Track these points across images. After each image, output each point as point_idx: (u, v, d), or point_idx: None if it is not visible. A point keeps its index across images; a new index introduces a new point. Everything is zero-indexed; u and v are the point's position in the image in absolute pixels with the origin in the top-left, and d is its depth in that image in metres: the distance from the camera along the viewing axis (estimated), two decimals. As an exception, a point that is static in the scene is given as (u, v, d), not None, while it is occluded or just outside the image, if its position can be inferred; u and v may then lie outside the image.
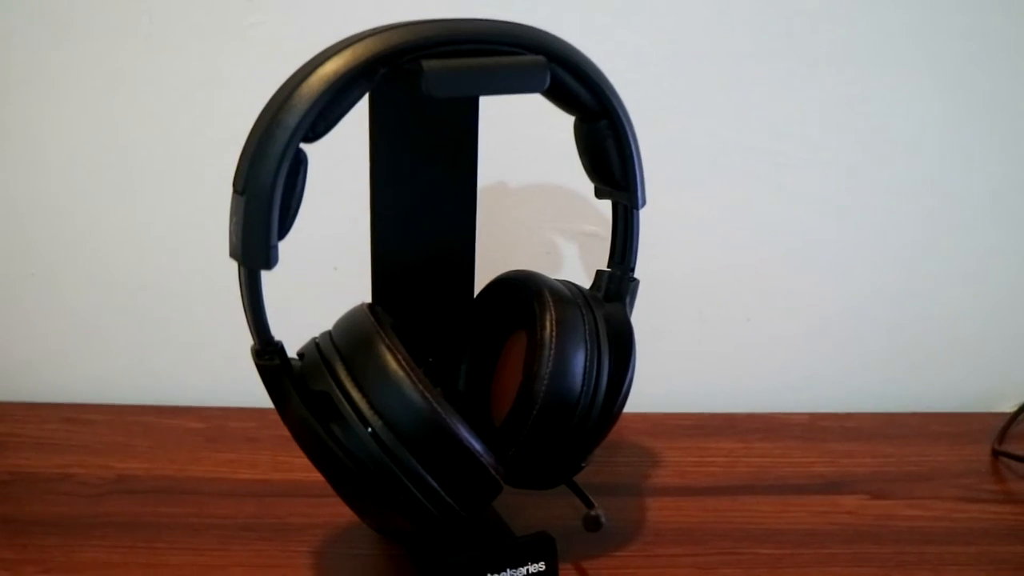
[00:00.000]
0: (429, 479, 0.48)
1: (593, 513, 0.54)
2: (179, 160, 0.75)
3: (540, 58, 0.49)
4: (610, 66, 0.54)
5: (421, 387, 0.47)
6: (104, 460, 0.68)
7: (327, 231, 0.72)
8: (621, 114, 0.55)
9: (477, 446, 0.48)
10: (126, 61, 0.72)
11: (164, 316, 0.80)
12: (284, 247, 0.46)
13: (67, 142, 0.75)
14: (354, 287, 0.58)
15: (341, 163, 0.58)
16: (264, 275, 0.46)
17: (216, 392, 0.77)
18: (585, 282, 0.61)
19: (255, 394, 0.52)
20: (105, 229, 0.77)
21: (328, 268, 0.77)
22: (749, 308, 0.82)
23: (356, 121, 0.52)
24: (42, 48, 0.72)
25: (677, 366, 0.82)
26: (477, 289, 0.62)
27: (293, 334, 0.52)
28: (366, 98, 0.49)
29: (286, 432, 0.51)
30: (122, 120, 0.74)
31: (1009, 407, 0.79)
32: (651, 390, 0.68)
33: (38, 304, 0.79)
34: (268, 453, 0.69)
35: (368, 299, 0.58)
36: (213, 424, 0.74)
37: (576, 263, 0.79)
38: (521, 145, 0.73)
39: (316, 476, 0.50)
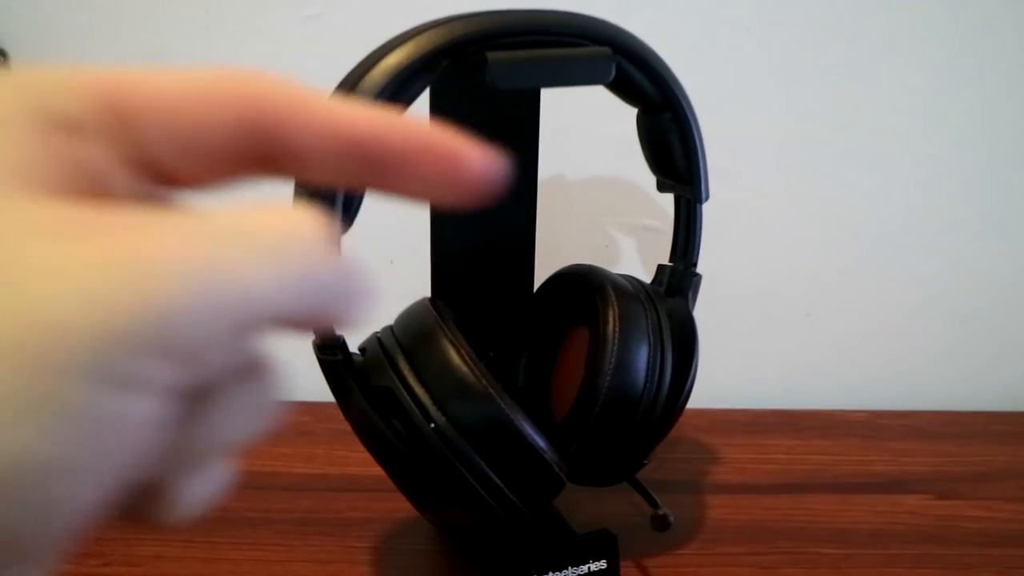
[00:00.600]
0: (492, 475, 0.47)
1: (661, 512, 0.53)
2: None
3: (606, 49, 0.49)
4: (674, 58, 0.53)
5: (485, 382, 0.47)
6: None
7: (383, 225, 0.71)
8: (685, 107, 0.54)
9: (541, 443, 0.48)
10: (183, 55, 0.72)
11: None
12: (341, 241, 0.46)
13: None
14: (410, 281, 0.58)
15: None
16: None
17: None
18: (644, 277, 0.60)
19: (310, 388, 0.52)
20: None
21: (385, 262, 0.77)
22: (810, 304, 0.81)
23: (416, 112, 0.52)
24: (99, 42, 0.72)
25: (735, 361, 0.81)
26: (537, 283, 0.62)
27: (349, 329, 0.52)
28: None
29: (341, 426, 0.51)
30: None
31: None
32: (709, 385, 0.67)
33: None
34: (324, 447, 0.69)
35: (427, 294, 0.58)
36: (268, 418, 0.74)
37: (635, 257, 0.78)
38: (580, 137, 0.72)
39: (372, 471, 0.50)
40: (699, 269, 0.59)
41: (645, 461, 0.55)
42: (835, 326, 0.81)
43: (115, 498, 0.17)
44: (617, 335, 0.52)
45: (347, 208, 0.45)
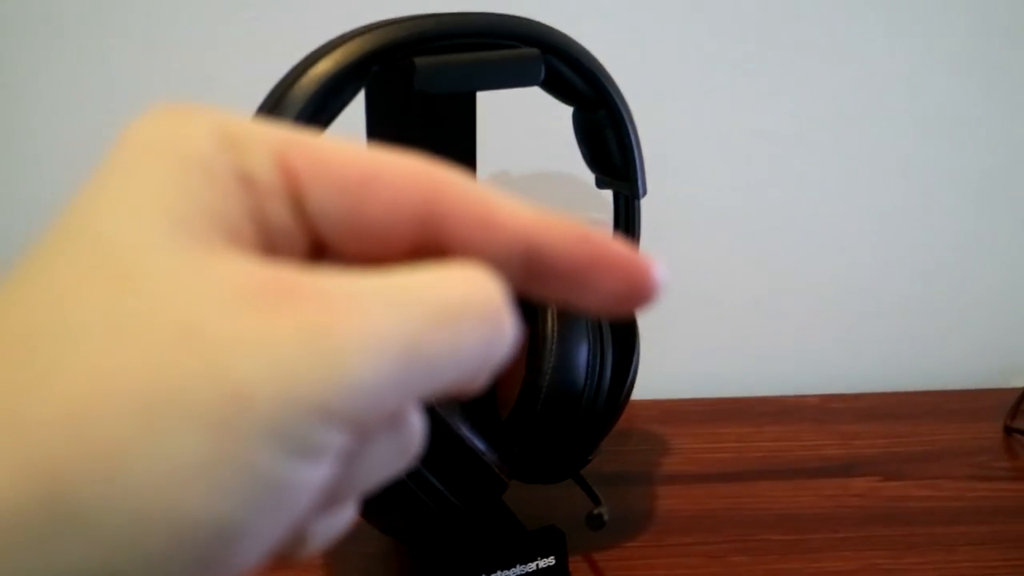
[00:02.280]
0: (433, 480, 0.48)
1: (596, 512, 0.54)
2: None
3: (534, 50, 0.49)
4: (612, 52, 0.54)
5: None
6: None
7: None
8: (619, 103, 0.54)
9: (480, 445, 0.48)
10: (124, 62, 0.72)
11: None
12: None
13: (59, 145, 0.74)
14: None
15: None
16: None
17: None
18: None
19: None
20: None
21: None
22: (757, 291, 0.81)
23: (360, 114, 0.52)
24: (35, 51, 0.72)
25: (686, 351, 0.82)
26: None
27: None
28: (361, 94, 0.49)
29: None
30: (118, 119, 0.73)
31: (1023, 381, 0.78)
32: (660, 376, 0.68)
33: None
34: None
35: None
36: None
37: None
38: (522, 135, 0.72)
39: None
40: (644, 261, 0.59)
41: (590, 457, 0.56)
42: (784, 312, 0.82)
43: (270, 552, 0.18)
44: (556, 333, 0.53)
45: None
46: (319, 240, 0.20)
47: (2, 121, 0.74)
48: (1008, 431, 0.73)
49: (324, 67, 0.45)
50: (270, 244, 0.19)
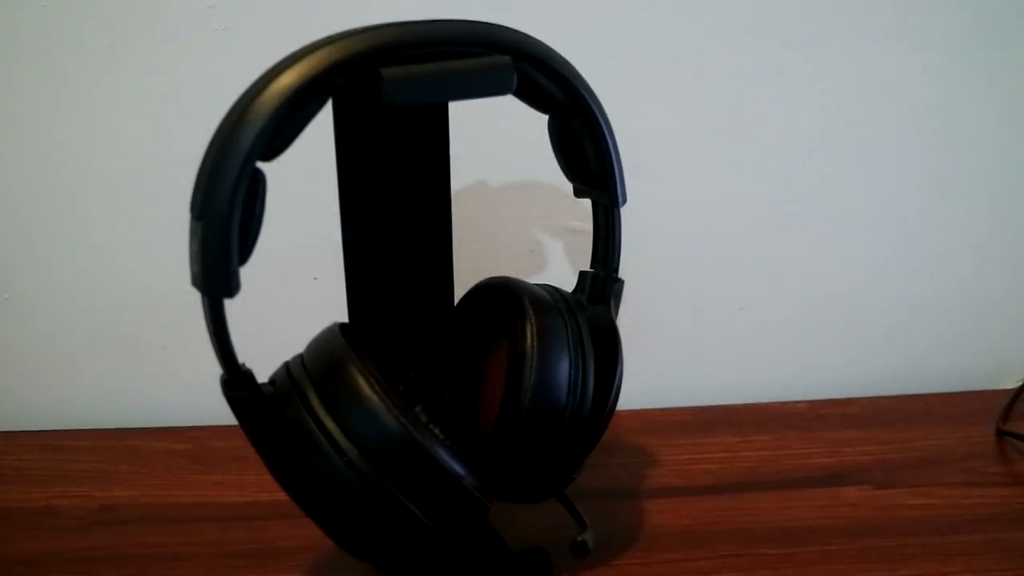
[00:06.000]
0: (411, 506, 0.46)
1: (579, 539, 0.52)
2: (146, 175, 0.73)
3: (505, 58, 0.47)
4: (589, 57, 0.52)
5: (396, 412, 0.46)
6: (87, 489, 0.67)
7: (306, 241, 0.70)
8: (596, 110, 0.52)
9: (459, 469, 0.47)
10: (86, 76, 0.70)
11: (143, 335, 0.78)
12: (261, 258, 0.44)
13: (29, 162, 0.73)
14: (335, 297, 0.57)
15: (315, 169, 0.56)
16: (243, 287, 0.44)
17: (201, 411, 0.75)
18: (573, 279, 0.58)
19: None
20: (77, 249, 0.75)
21: (308, 278, 0.75)
22: (742, 297, 0.80)
23: (330, 126, 0.50)
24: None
25: (671, 360, 0.80)
26: (460, 294, 0.60)
27: (273, 346, 0.50)
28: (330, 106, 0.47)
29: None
30: (87, 136, 0.72)
31: (1014, 383, 0.77)
32: (645, 386, 0.66)
33: (14, 329, 0.77)
34: (255, 473, 0.67)
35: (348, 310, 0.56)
36: (198, 445, 0.72)
37: (563, 260, 0.77)
38: (500, 142, 0.71)
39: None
40: (629, 268, 0.57)
41: (573, 476, 0.54)
42: (769, 318, 0.81)
43: None
44: (536, 351, 0.51)
45: (244, 238, 0.43)
46: None
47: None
48: (1000, 434, 0.71)
49: (287, 81, 0.43)
50: None
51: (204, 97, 0.56)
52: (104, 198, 0.74)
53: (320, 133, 0.48)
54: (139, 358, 0.79)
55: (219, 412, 0.47)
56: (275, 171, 0.44)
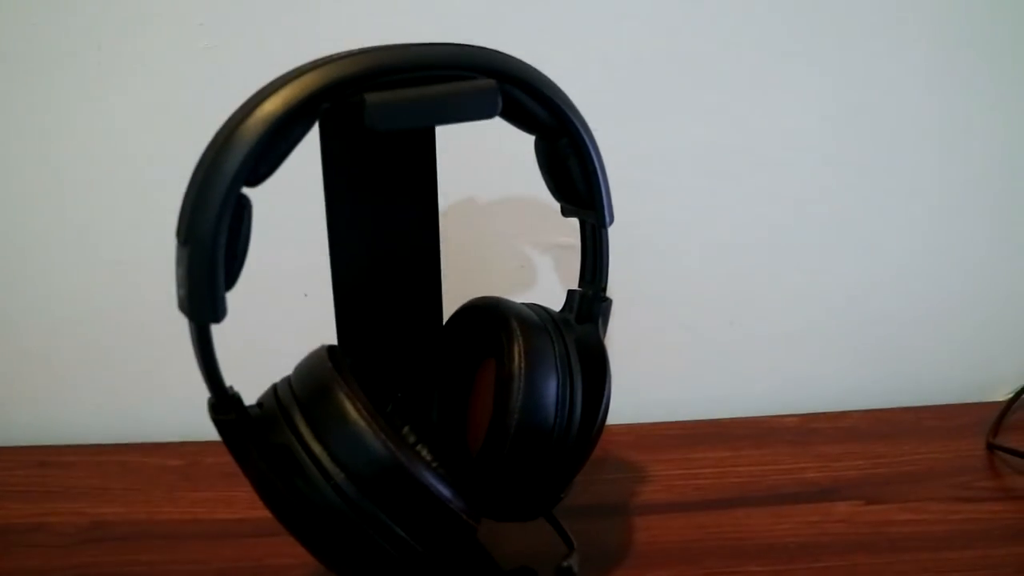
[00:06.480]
0: (398, 530, 0.46)
1: (565, 564, 0.52)
2: (137, 191, 0.73)
3: (490, 81, 0.47)
4: (577, 73, 0.52)
5: (382, 436, 0.46)
6: (78, 506, 0.67)
7: (297, 257, 0.70)
8: (581, 130, 0.52)
9: (445, 492, 0.47)
10: (75, 92, 0.70)
11: (134, 351, 0.78)
12: (252, 275, 0.45)
13: (14, 176, 0.73)
14: (325, 314, 0.57)
15: (305, 187, 0.56)
16: (234, 304, 0.44)
17: (193, 426, 0.75)
18: (562, 296, 0.58)
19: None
20: (68, 265, 0.75)
21: (299, 295, 0.75)
22: (732, 311, 0.80)
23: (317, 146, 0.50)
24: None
25: (661, 374, 0.80)
26: (449, 310, 0.60)
27: (264, 364, 0.51)
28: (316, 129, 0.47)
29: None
30: (75, 152, 0.72)
31: (1004, 395, 0.77)
32: (635, 400, 0.66)
33: (4, 344, 0.78)
34: (245, 489, 0.66)
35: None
36: (189, 460, 0.72)
37: (552, 276, 0.77)
38: (489, 159, 0.71)
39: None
40: (618, 284, 0.58)
41: (562, 495, 0.54)
42: (759, 332, 0.81)
43: None
44: (523, 371, 0.51)
45: (230, 263, 0.43)
46: None
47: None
48: (990, 448, 0.71)
49: (271, 107, 0.43)
50: None
51: (192, 112, 0.56)
52: (93, 215, 0.74)
53: (310, 153, 0.48)
54: (130, 373, 0.79)
55: (210, 428, 0.48)
56: (265, 191, 0.44)
